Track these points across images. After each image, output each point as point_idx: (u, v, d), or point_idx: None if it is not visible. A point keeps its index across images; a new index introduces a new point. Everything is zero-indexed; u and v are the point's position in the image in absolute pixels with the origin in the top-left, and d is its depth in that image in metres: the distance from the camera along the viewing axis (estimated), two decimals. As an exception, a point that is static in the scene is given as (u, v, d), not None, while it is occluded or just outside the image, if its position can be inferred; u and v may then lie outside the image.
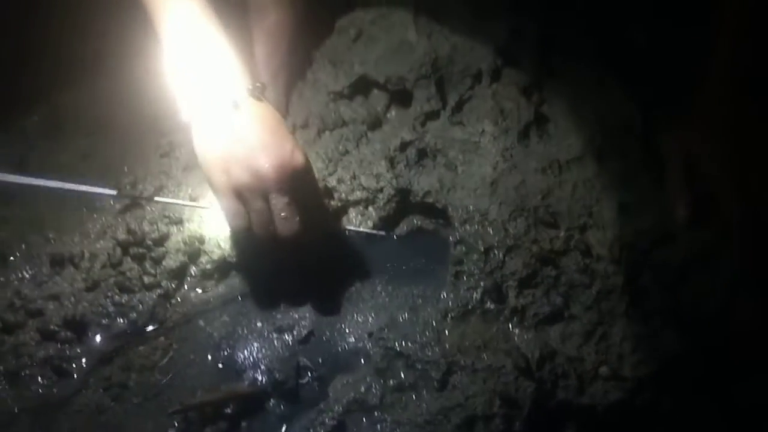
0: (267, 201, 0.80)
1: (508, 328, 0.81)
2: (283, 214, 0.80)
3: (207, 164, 0.81)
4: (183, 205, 0.91)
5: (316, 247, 0.86)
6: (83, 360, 0.84)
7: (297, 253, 0.83)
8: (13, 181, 0.84)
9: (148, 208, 0.93)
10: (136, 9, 0.86)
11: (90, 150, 1.01)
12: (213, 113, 0.81)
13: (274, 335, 0.84)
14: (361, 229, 0.91)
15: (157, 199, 0.91)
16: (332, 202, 0.92)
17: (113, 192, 0.87)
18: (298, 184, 0.81)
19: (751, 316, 0.79)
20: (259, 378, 0.82)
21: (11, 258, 0.90)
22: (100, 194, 0.86)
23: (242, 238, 0.84)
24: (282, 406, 0.81)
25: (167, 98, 0.85)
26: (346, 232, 0.91)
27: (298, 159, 0.81)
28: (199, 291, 0.88)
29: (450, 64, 0.98)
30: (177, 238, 0.90)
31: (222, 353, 0.84)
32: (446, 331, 0.80)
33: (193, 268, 0.89)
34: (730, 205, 0.80)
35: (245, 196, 0.80)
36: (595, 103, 0.95)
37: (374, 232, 0.91)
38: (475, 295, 0.82)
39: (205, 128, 0.81)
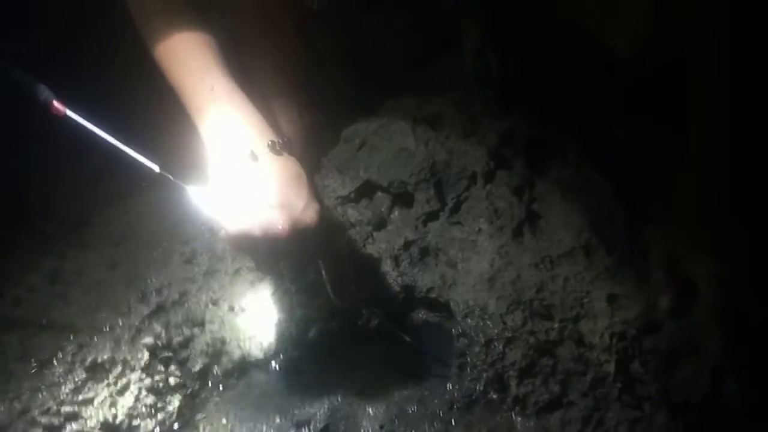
0: (276, 252, 0.84)
1: (511, 416, 0.86)
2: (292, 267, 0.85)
3: (223, 212, 0.82)
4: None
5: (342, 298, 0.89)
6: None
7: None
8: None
9: (172, 312, 1.00)
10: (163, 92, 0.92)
11: (118, 259, 1.09)
12: (232, 165, 0.83)
13: (293, 431, 0.90)
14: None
15: (190, 189, 0.87)
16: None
17: (156, 168, 0.86)
18: (310, 241, 0.83)
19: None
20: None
21: (48, 364, 0.97)
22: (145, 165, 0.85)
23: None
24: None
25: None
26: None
27: (309, 217, 0.82)
28: (222, 389, 0.94)
29: (447, 167, 1.05)
30: (200, 340, 0.96)
31: (245, 448, 0.90)
32: (452, 421, 0.86)
33: (216, 367, 0.95)
34: (710, 299, 0.85)
35: (255, 246, 0.82)
36: (583, 200, 1.02)
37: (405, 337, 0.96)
38: (478, 386, 0.87)
39: (224, 179, 0.83)
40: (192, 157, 0.89)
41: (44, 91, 0.85)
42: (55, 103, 0.84)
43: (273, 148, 0.85)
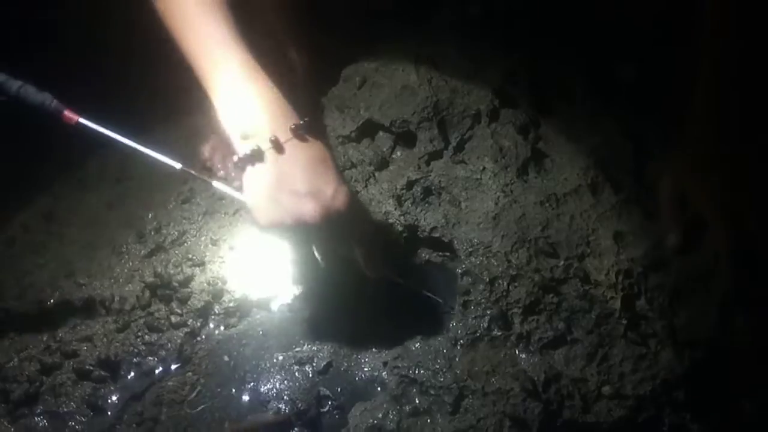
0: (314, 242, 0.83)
1: (515, 353, 0.85)
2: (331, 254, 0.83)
3: (253, 206, 0.81)
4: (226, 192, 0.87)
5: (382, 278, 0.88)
6: (117, 397, 0.89)
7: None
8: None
9: (172, 251, 0.99)
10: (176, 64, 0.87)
11: (114, 199, 1.07)
12: (257, 152, 0.81)
13: (295, 367, 0.89)
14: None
15: (215, 183, 0.87)
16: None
17: (178, 165, 0.86)
18: (344, 224, 0.81)
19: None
20: (283, 408, 0.86)
21: (46, 303, 0.96)
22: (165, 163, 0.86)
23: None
24: (305, 434, 0.86)
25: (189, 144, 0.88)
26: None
27: (340, 202, 0.80)
28: (223, 328, 0.94)
29: (450, 106, 1.04)
30: (201, 279, 0.95)
31: (247, 386, 0.89)
32: (457, 358, 0.85)
33: (217, 306, 0.94)
34: (720, 233, 0.84)
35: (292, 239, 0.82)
36: (589, 138, 1.01)
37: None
38: (482, 323, 0.87)
39: (251, 170, 0.81)
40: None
41: (52, 101, 0.85)
42: (66, 113, 0.85)
43: (296, 132, 0.82)
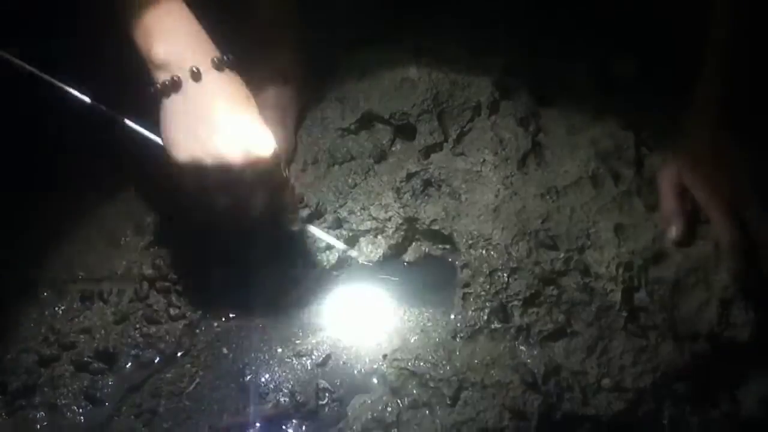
0: (229, 188, 0.78)
1: (515, 345, 0.85)
2: (248, 201, 0.79)
3: (168, 140, 0.78)
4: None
5: (276, 235, 0.85)
6: (115, 389, 0.88)
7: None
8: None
9: (170, 243, 0.98)
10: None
11: (113, 191, 1.06)
12: (175, 82, 0.77)
13: (294, 359, 0.89)
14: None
15: (127, 121, 0.82)
16: (343, 232, 0.97)
17: (87, 99, 0.81)
18: (264, 172, 0.79)
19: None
20: (282, 400, 0.86)
21: (44, 295, 0.95)
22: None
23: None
24: (304, 427, 0.85)
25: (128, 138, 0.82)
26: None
27: (265, 149, 0.78)
28: (222, 320, 0.93)
29: (450, 98, 1.03)
30: (200, 271, 0.95)
31: (246, 378, 0.89)
32: (456, 351, 0.85)
33: (217, 300, 0.94)
34: (721, 226, 0.84)
35: (205, 181, 0.78)
36: (589, 130, 1.00)
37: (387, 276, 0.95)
38: (482, 315, 0.87)
39: (168, 101, 0.78)
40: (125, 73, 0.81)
41: None
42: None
43: (218, 65, 0.79)
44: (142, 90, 0.80)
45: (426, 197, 0.99)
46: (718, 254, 0.85)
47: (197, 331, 0.92)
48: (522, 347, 0.85)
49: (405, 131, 1.04)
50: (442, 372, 0.83)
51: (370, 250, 0.97)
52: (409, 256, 0.98)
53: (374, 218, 0.97)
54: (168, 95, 0.78)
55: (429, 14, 1.17)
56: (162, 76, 0.78)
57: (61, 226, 1.04)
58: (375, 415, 0.83)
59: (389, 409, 0.83)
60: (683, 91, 0.94)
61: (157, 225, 0.99)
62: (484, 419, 0.80)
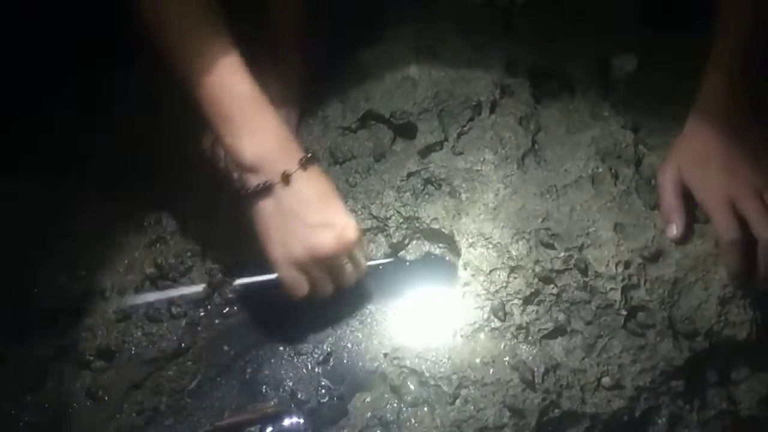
0: (325, 269, 0.85)
1: (515, 343, 0.85)
2: (341, 278, 0.87)
3: (264, 239, 0.84)
4: (263, 281, 0.89)
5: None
6: (117, 386, 0.89)
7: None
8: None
9: (172, 242, 0.99)
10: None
11: (115, 190, 1.06)
12: (267, 187, 0.82)
13: (296, 357, 0.90)
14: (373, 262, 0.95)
15: (238, 282, 0.90)
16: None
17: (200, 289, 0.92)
18: (353, 251, 0.87)
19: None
20: (283, 398, 0.87)
21: (45, 292, 0.95)
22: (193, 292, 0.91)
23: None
24: (305, 425, 0.86)
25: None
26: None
27: (351, 233, 0.85)
28: (223, 318, 0.94)
29: (450, 97, 1.03)
30: (201, 269, 0.96)
31: (247, 375, 0.89)
32: (456, 349, 0.85)
33: (217, 297, 0.95)
34: (720, 224, 0.85)
35: (306, 268, 0.84)
36: (589, 129, 1.00)
37: (384, 261, 0.97)
38: (482, 313, 0.87)
39: (262, 204, 0.83)
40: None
41: None
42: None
43: (303, 166, 0.84)
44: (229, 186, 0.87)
45: (426, 196, 0.99)
46: (717, 253, 0.86)
47: (198, 328, 0.93)
48: (522, 345, 0.85)
49: (405, 130, 1.04)
50: (442, 370, 0.83)
51: (371, 248, 0.97)
52: (409, 255, 0.98)
53: (375, 217, 0.97)
54: (262, 199, 0.83)
55: (430, 12, 1.17)
56: (254, 181, 0.83)
57: (63, 225, 1.04)
58: (376, 412, 0.83)
59: (390, 406, 0.84)
60: (683, 90, 0.95)
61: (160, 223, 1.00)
62: (484, 417, 0.80)
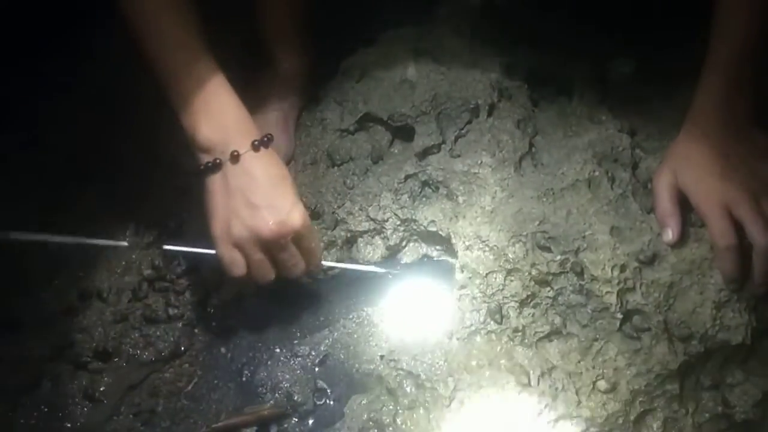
0: (265, 252, 0.85)
1: (511, 346, 0.85)
2: (281, 263, 0.86)
3: (209, 214, 0.85)
4: (192, 252, 0.91)
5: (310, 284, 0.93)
6: (114, 388, 0.89)
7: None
8: (34, 239, 0.89)
9: (170, 243, 0.99)
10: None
11: (113, 191, 1.07)
12: (216, 164, 0.84)
13: (292, 360, 0.90)
14: (363, 268, 0.96)
15: (166, 246, 0.93)
16: (342, 233, 0.98)
17: (124, 243, 0.93)
18: (296, 238, 0.86)
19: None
20: (279, 400, 0.87)
21: (43, 292, 0.96)
22: (112, 245, 0.91)
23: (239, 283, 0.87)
24: (301, 427, 0.86)
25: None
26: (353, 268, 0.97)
27: (295, 219, 0.85)
28: (220, 320, 0.94)
29: (448, 100, 1.03)
30: (198, 271, 0.96)
31: (244, 378, 0.89)
32: (453, 352, 0.85)
33: (215, 299, 0.95)
34: (716, 228, 0.84)
35: (244, 248, 0.84)
36: (586, 133, 1.00)
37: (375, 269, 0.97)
38: (478, 316, 0.87)
39: (210, 180, 0.85)
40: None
41: None
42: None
43: (256, 147, 0.85)
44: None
45: (424, 198, 0.99)
46: (712, 257, 0.86)
47: (196, 330, 0.93)
48: (518, 348, 0.85)
49: (403, 132, 1.05)
50: (438, 373, 0.84)
51: (368, 251, 0.97)
52: (406, 257, 0.99)
53: (372, 219, 0.98)
54: (209, 175, 0.84)
55: (428, 14, 1.17)
56: (205, 158, 0.84)
57: (61, 225, 1.04)
58: (372, 415, 0.83)
59: (386, 409, 0.84)
60: (680, 94, 0.95)
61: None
62: (479, 420, 0.80)
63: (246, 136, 0.85)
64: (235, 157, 0.83)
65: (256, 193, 0.83)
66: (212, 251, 0.87)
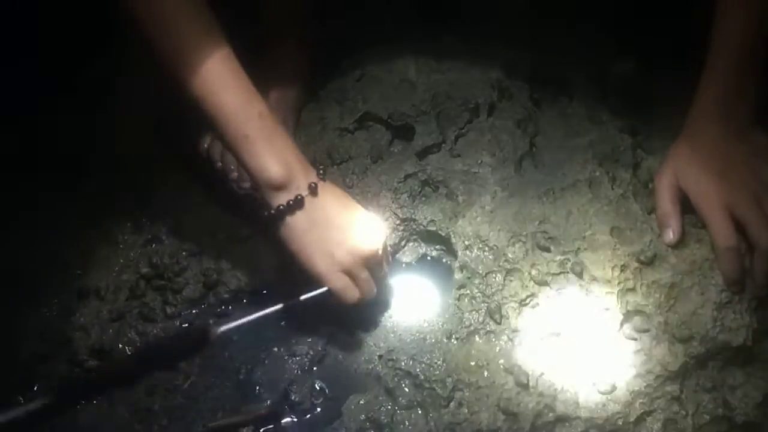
0: (367, 268, 0.86)
1: (510, 346, 0.85)
2: (380, 275, 0.88)
3: (302, 253, 0.83)
4: (306, 299, 0.86)
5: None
6: (110, 386, 0.89)
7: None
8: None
9: (167, 242, 0.99)
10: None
11: (110, 189, 1.06)
12: (298, 201, 0.82)
13: (290, 359, 0.89)
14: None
15: (222, 329, 0.87)
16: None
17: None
18: (384, 249, 0.88)
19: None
20: (277, 399, 0.86)
21: (40, 291, 0.95)
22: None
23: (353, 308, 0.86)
24: (299, 426, 0.86)
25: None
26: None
27: (380, 224, 0.88)
28: (218, 319, 0.93)
29: (448, 99, 1.03)
30: (196, 269, 0.95)
31: (241, 377, 0.89)
32: (451, 352, 0.85)
33: (212, 297, 0.94)
34: (717, 229, 0.84)
35: (352, 272, 0.84)
36: (587, 133, 1.00)
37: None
38: (477, 316, 0.87)
39: (291, 218, 0.82)
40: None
41: None
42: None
43: (322, 176, 0.85)
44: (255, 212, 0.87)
45: (423, 198, 0.99)
46: (713, 258, 0.85)
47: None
48: (517, 348, 0.85)
49: (403, 132, 1.04)
50: (437, 373, 0.83)
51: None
52: (406, 257, 0.98)
53: (371, 219, 0.97)
54: (291, 214, 0.82)
55: (428, 14, 1.17)
56: (283, 198, 0.82)
57: (59, 223, 1.04)
58: (370, 415, 0.83)
59: (384, 409, 0.84)
60: (681, 94, 0.95)
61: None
62: (477, 420, 0.80)
63: (307, 167, 0.84)
64: (313, 189, 0.83)
65: (341, 217, 0.84)
66: (321, 291, 0.84)
